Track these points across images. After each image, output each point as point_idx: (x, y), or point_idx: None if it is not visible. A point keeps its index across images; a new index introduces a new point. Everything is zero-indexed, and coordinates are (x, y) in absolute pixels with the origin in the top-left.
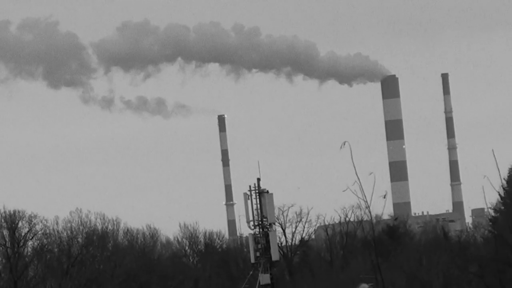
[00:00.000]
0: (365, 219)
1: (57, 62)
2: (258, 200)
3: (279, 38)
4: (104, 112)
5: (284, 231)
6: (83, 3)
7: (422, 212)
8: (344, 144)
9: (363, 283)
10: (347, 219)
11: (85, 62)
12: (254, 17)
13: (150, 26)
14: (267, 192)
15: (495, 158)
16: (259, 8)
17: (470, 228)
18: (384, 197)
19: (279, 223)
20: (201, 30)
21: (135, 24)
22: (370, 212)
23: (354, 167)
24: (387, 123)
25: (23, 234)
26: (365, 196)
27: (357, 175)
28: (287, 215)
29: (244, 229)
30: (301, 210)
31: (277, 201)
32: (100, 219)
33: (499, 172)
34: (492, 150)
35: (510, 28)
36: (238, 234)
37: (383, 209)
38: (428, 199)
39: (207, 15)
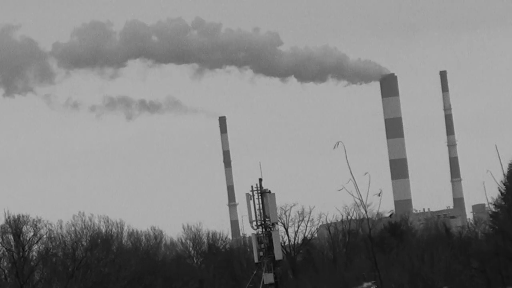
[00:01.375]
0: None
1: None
2: (260, 200)
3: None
4: (106, 116)
5: (286, 230)
6: (38, 7)
7: (423, 209)
8: (338, 144)
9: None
10: (349, 217)
11: (47, 67)
12: (273, 24)
13: (109, 27)
14: (269, 192)
15: (498, 153)
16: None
17: (471, 223)
18: (379, 195)
19: (281, 222)
20: (162, 29)
21: (93, 25)
22: (366, 210)
23: (349, 166)
24: (387, 122)
25: (28, 238)
26: (360, 195)
27: (352, 175)
28: (289, 215)
29: (247, 229)
30: (303, 209)
31: (279, 201)
32: (104, 222)
33: (502, 167)
34: (495, 145)
35: (506, 24)
36: (241, 234)
37: (378, 206)
38: (429, 196)
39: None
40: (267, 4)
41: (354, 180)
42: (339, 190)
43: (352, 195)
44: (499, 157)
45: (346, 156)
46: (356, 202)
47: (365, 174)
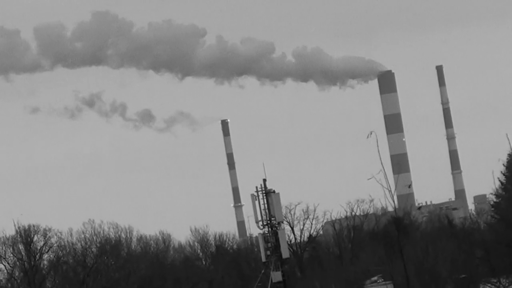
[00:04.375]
0: (370, 212)
1: None
2: (265, 200)
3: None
4: (111, 123)
5: (292, 228)
6: None
7: (426, 202)
8: (371, 133)
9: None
10: (353, 213)
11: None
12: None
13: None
14: (274, 192)
15: (509, 142)
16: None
17: (473, 214)
18: (409, 187)
19: (287, 221)
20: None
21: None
22: (394, 201)
23: (380, 156)
24: (386, 118)
25: (38, 247)
26: (389, 186)
27: (382, 165)
28: (294, 213)
29: (254, 229)
30: (307, 207)
31: (284, 200)
32: (113, 228)
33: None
34: (506, 134)
35: (500, 17)
36: (248, 234)
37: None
38: (431, 189)
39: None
40: (262, 9)
41: (385, 170)
42: (369, 179)
43: (382, 185)
44: (510, 144)
45: (377, 146)
46: (384, 192)
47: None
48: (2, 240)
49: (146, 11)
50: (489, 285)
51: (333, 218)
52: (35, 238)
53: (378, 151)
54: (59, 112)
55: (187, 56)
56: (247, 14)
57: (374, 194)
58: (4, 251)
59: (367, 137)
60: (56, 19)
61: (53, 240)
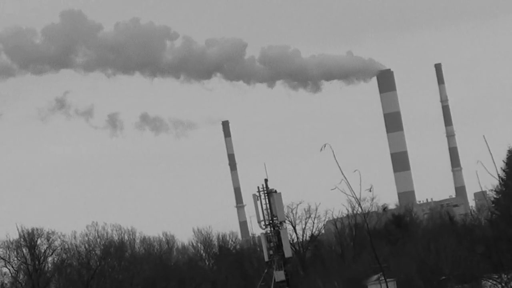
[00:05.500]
0: (372, 211)
1: None
2: (267, 200)
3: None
4: (112, 125)
5: (294, 228)
6: None
7: (427, 199)
8: (324, 146)
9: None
10: (354, 211)
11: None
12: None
13: None
14: (275, 191)
15: (487, 143)
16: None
17: (473, 211)
18: (370, 190)
19: (289, 220)
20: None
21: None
22: (361, 206)
23: (339, 166)
24: (386, 116)
25: (42, 250)
26: (353, 193)
27: (343, 174)
28: (296, 213)
29: (256, 229)
30: (309, 207)
31: (286, 200)
32: (116, 230)
33: (492, 158)
34: (483, 136)
35: (498, 15)
36: (250, 234)
37: (371, 201)
38: (431, 186)
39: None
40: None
41: (346, 179)
42: (332, 190)
43: (345, 193)
44: (488, 148)
45: (334, 157)
46: (349, 199)
47: (355, 171)
48: (6, 244)
49: (112, 11)
50: (491, 281)
51: (335, 217)
52: (39, 241)
53: (336, 160)
54: (58, 113)
55: (156, 57)
56: (248, 15)
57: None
58: (8, 255)
59: (321, 150)
60: (23, 21)
61: (57, 243)
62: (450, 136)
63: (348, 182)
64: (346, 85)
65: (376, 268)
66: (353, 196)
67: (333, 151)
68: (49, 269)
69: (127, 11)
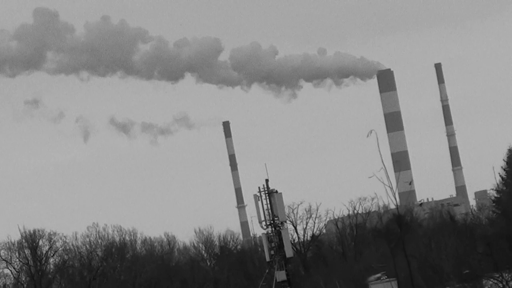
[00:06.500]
0: (372, 210)
1: None
2: (268, 200)
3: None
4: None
5: (295, 228)
6: None
7: (427, 199)
8: (371, 132)
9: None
10: (355, 211)
11: None
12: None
13: None
14: (276, 192)
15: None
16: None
17: (474, 210)
18: (410, 184)
19: (290, 221)
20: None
21: None
22: (395, 198)
23: (380, 154)
24: (386, 116)
25: (44, 252)
26: (391, 183)
27: (383, 163)
28: (297, 213)
29: (257, 230)
30: (310, 207)
31: (287, 200)
32: (117, 231)
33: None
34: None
35: (497, 14)
36: (251, 234)
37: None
38: (432, 185)
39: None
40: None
41: (386, 168)
42: (370, 177)
43: (383, 182)
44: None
45: (378, 144)
46: (386, 190)
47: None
48: (8, 245)
49: (83, 9)
50: (492, 279)
51: (336, 217)
52: (41, 242)
53: (379, 149)
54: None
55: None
56: (248, 16)
57: (376, 192)
58: (10, 256)
59: (367, 136)
60: None
61: (58, 244)
62: (451, 135)
63: (387, 171)
64: (346, 85)
65: (377, 267)
66: (389, 186)
67: (377, 138)
68: (51, 270)
69: (98, 10)
